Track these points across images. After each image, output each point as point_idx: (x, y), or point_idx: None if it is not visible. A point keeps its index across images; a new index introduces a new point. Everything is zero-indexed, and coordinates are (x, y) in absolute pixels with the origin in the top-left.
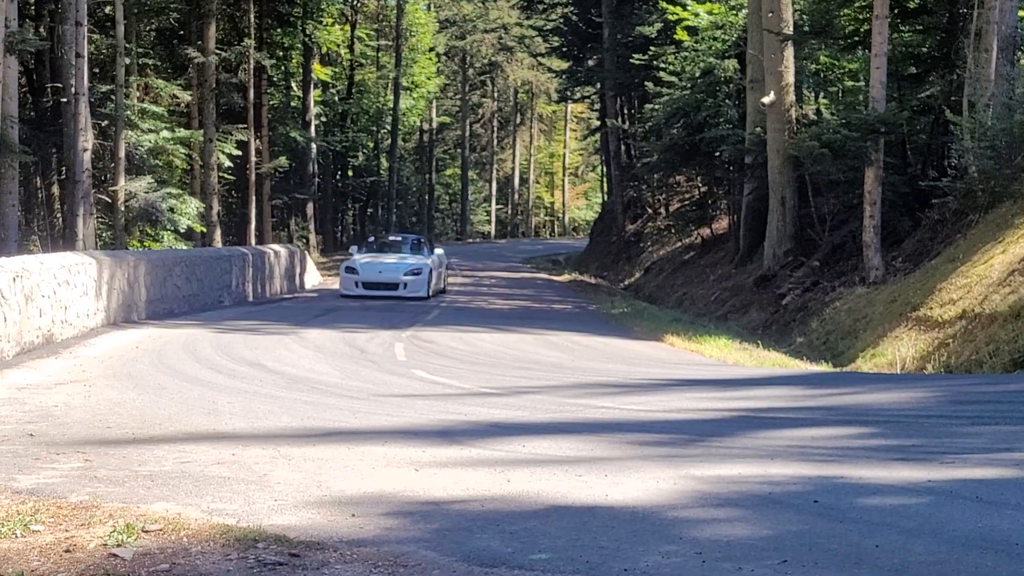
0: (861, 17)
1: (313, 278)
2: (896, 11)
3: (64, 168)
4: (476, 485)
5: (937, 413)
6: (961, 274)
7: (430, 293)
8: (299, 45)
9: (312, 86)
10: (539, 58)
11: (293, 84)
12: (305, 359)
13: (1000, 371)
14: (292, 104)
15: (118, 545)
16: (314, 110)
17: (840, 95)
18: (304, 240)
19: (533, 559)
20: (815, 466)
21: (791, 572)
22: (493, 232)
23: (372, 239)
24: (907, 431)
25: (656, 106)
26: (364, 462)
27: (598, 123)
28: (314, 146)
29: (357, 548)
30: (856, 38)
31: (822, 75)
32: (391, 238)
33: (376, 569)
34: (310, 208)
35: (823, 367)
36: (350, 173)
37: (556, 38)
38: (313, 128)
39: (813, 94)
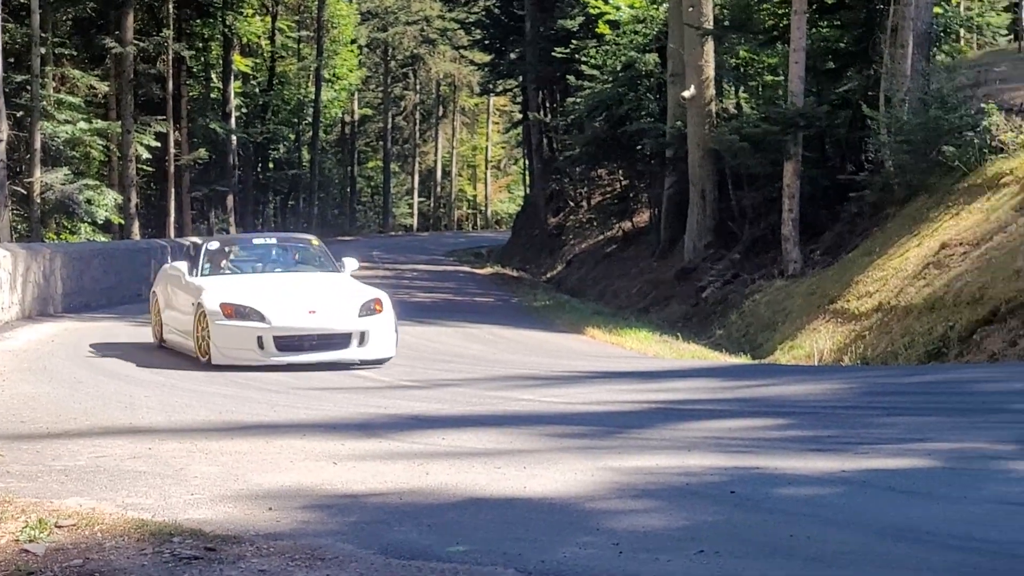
0: (780, 12)
1: None
2: (814, 7)
3: None
4: (395, 478)
5: (852, 404)
6: (878, 267)
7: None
8: (219, 36)
9: (232, 77)
10: (461, 51)
11: (213, 75)
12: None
13: (915, 362)
14: (212, 95)
15: (30, 540)
16: (234, 102)
17: (760, 89)
18: (224, 233)
19: (451, 551)
20: (732, 457)
21: (707, 562)
22: (416, 225)
23: (217, 245)
24: (823, 422)
25: (578, 99)
26: (282, 455)
27: (520, 116)
28: (234, 138)
29: (274, 542)
30: (775, 33)
31: (742, 70)
32: (257, 240)
33: (293, 562)
34: (230, 200)
35: (742, 359)
36: (271, 165)
37: (478, 31)
38: (233, 120)
39: (733, 88)
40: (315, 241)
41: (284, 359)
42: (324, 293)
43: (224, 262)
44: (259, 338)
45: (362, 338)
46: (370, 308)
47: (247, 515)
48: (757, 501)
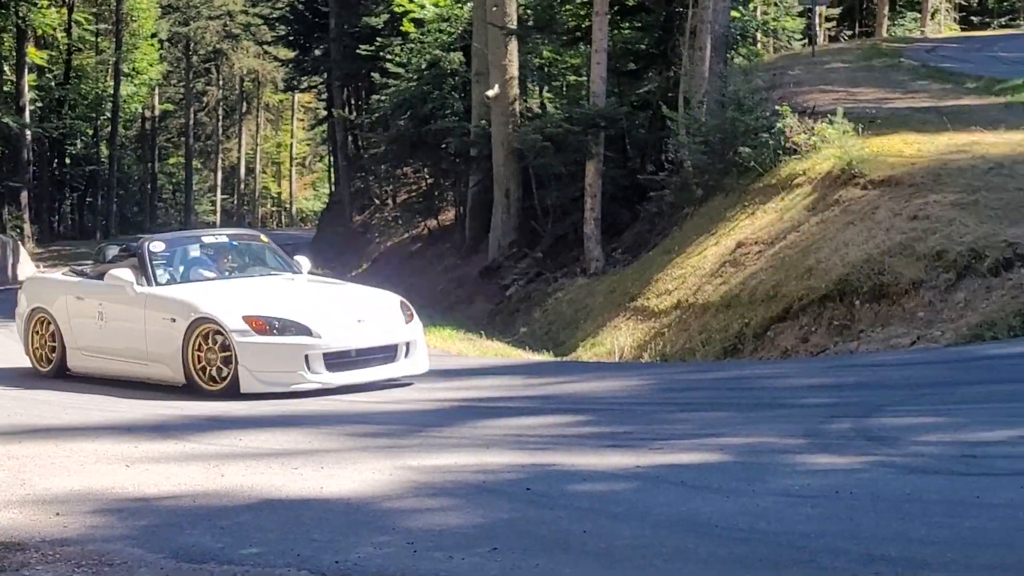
0: (582, 13)
1: (27, 269)
2: (616, 8)
3: None
4: (189, 480)
5: (650, 400)
6: (676, 265)
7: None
8: (12, 27)
9: (26, 70)
10: (265, 47)
11: (6, 67)
12: (16, 352)
13: (712, 359)
14: (5, 88)
15: None
16: (28, 95)
17: (564, 89)
18: (18, 230)
19: (243, 554)
20: (530, 454)
21: (500, 559)
22: (219, 222)
23: (163, 246)
24: (620, 418)
25: (383, 97)
26: (72, 459)
27: (325, 113)
28: (28, 132)
29: (60, 548)
30: (578, 34)
31: (546, 69)
32: (208, 239)
33: (79, 569)
34: (24, 197)
35: (545, 356)
36: (68, 161)
37: (282, 27)
38: (28, 114)
39: (537, 88)
40: (264, 238)
41: (335, 380)
42: (353, 299)
43: (180, 267)
44: (307, 356)
45: (407, 349)
46: (407, 314)
47: (33, 521)
48: (552, 498)
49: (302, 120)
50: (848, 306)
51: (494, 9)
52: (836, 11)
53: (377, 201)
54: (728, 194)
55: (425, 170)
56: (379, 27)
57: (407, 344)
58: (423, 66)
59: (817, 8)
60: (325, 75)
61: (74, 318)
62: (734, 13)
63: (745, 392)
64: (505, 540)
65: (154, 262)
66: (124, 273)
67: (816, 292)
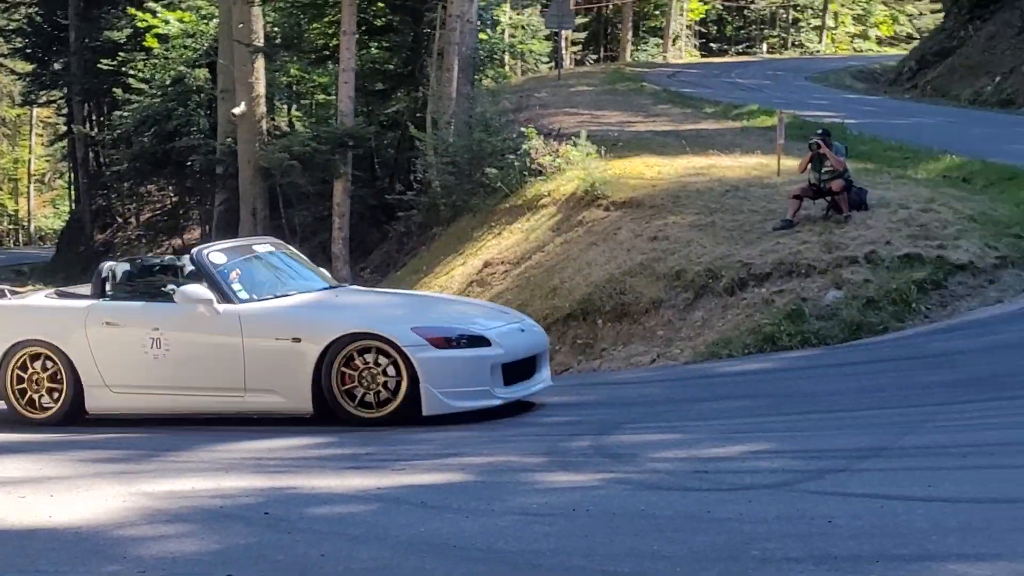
0: (330, 32)
1: None
2: (364, 28)
3: None
4: None
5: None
6: (424, 285)
7: None
8: None
9: None
10: (1, 59)
11: None
12: None
13: None
14: None
15: None
16: None
17: (312, 108)
18: None
19: None
20: (269, 477)
21: None
22: None
23: (224, 258)
24: (363, 440)
25: (126, 113)
26: None
27: (65, 129)
28: None
29: None
30: (326, 52)
31: (294, 88)
32: (259, 248)
33: None
34: None
35: None
36: None
37: (19, 39)
38: None
39: (285, 106)
40: (290, 247)
41: (511, 394)
42: (490, 305)
43: (252, 282)
44: (490, 365)
45: (541, 363)
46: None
47: None
48: (291, 521)
49: (41, 135)
50: (591, 325)
51: (240, 26)
52: (582, 35)
53: (120, 219)
54: (475, 214)
55: (170, 188)
56: (122, 41)
57: (543, 354)
58: (168, 82)
59: (563, 32)
60: (65, 89)
61: (102, 350)
62: (482, 35)
63: (488, 411)
64: (241, 565)
65: (224, 278)
66: (200, 291)
67: (560, 311)
